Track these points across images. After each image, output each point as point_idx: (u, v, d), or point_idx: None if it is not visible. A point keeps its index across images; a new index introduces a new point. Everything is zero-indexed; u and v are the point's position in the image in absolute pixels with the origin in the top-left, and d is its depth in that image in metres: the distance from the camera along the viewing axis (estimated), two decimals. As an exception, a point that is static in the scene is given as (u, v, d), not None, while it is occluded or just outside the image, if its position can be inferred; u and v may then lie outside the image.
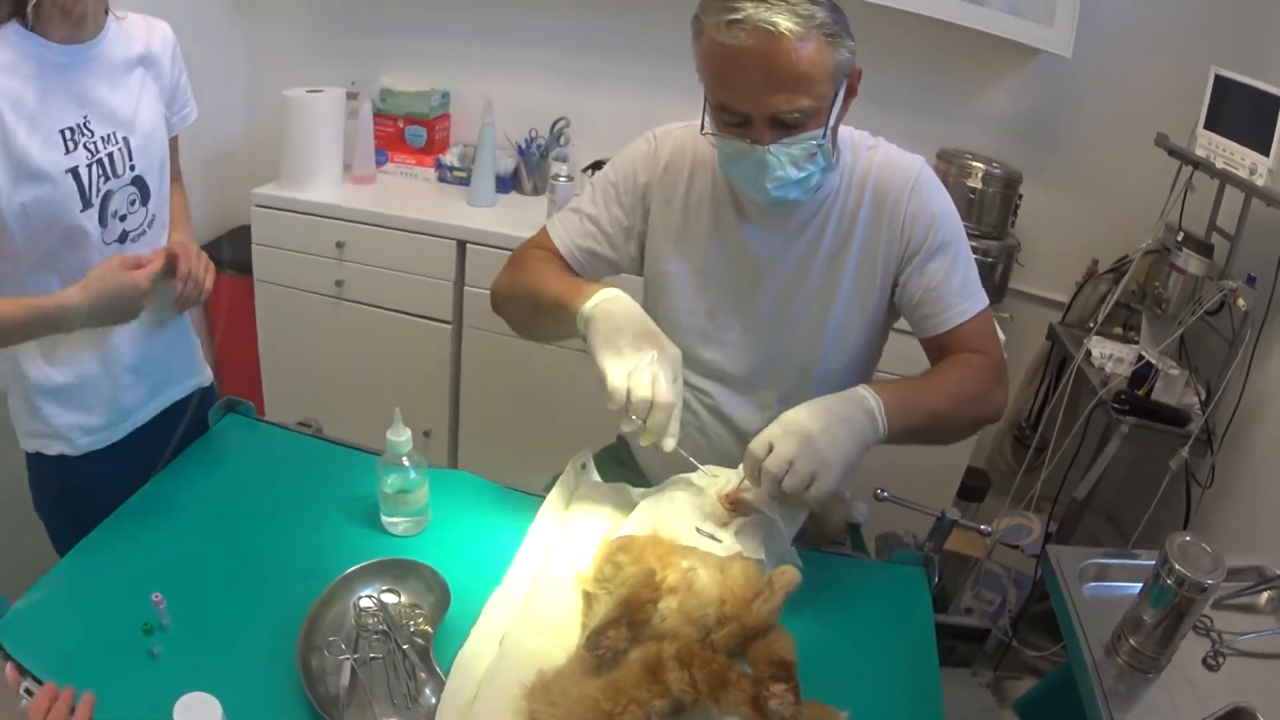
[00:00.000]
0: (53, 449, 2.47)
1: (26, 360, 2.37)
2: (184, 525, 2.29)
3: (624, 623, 1.73)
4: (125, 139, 2.31)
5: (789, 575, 1.90)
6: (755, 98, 2.06)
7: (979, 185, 4.00)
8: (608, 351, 2.11)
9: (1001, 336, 3.51)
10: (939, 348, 2.42)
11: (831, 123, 2.15)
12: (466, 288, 4.36)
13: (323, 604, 1.94)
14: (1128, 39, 4.04)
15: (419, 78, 4.86)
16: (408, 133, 4.84)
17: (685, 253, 2.49)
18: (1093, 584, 2.36)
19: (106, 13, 2.27)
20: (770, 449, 1.98)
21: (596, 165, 4.49)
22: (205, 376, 2.75)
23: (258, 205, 4.46)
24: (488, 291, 3.98)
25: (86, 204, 2.24)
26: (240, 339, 4.87)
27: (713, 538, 2.04)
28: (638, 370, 2.07)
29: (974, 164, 4.03)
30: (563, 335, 2.35)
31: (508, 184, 4.75)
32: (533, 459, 2.60)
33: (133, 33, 2.37)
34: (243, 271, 4.72)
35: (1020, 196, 4.12)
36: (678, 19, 4.30)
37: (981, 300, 2.42)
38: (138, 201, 2.38)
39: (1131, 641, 2.06)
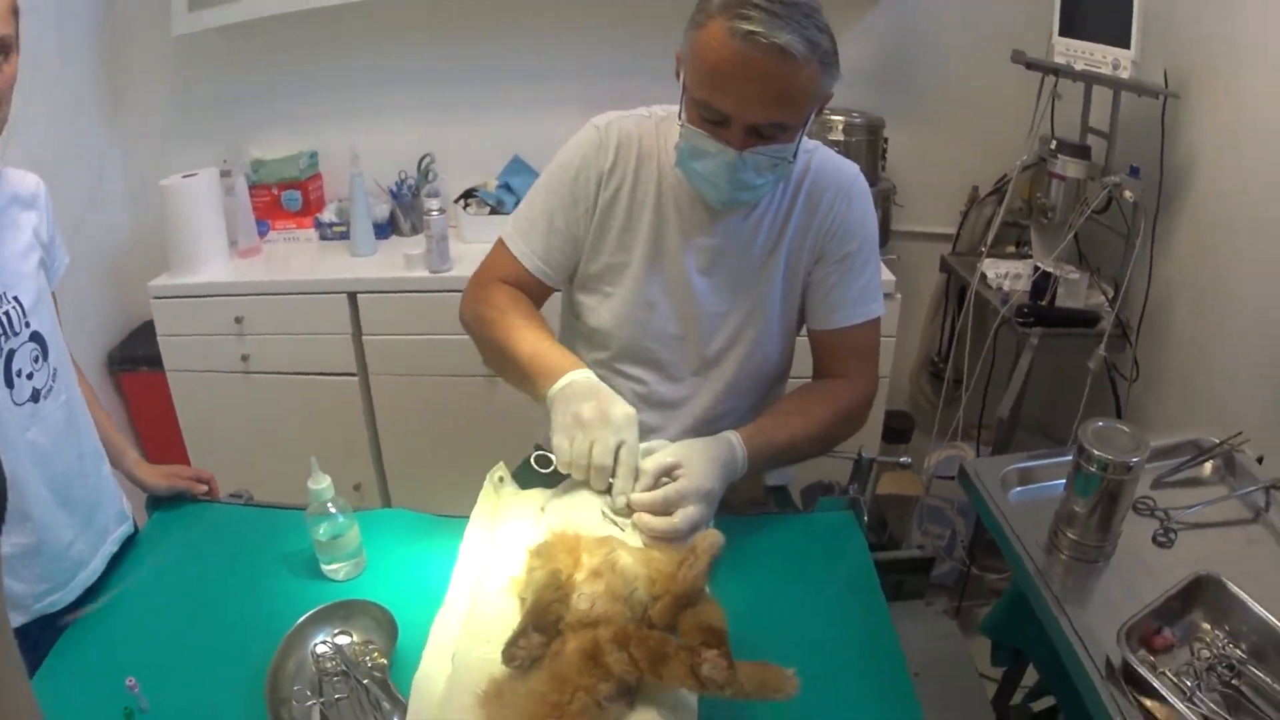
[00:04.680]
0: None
1: None
2: (144, 611, 2.31)
3: (531, 629, 1.75)
4: (16, 298, 2.24)
5: (711, 538, 1.91)
6: (745, 105, 2.10)
7: (841, 137, 4.07)
8: (560, 432, 2.18)
9: (890, 277, 3.55)
10: (824, 345, 2.61)
11: (798, 141, 2.22)
12: (365, 337, 4.40)
13: (281, 657, 1.96)
14: None
15: (285, 143, 4.89)
16: (284, 198, 4.86)
17: (626, 244, 2.51)
18: (1017, 489, 2.40)
19: None
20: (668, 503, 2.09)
21: (469, 194, 4.59)
22: (130, 524, 2.66)
23: (155, 297, 4.46)
24: (385, 337, 4.02)
25: None
26: (165, 432, 4.87)
27: (617, 525, 2.09)
28: (579, 441, 2.13)
29: (833, 118, 4.09)
30: (526, 394, 2.40)
31: (386, 229, 4.80)
32: (464, 486, 2.60)
33: (9, 180, 2.32)
34: (155, 367, 4.71)
35: (886, 140, 4.18)
36: (525, 41, 4.36)
37: (877, 309, 2.57)
38: (40, 358, 2.31)
39: (1070, 535, 2.09)
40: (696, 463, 2.14)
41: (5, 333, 2.19)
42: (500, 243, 2.64)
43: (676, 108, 2.31)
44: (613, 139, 2.49)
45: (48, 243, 2.43)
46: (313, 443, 4.32)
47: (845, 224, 2.45)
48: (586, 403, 2.16)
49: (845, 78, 2.21)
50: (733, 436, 2.26)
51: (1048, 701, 2.80)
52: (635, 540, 2.04)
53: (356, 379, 4.50)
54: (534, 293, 2.62)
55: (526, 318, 2.51)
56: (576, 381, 2.24)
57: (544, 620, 1.76)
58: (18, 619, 2.32)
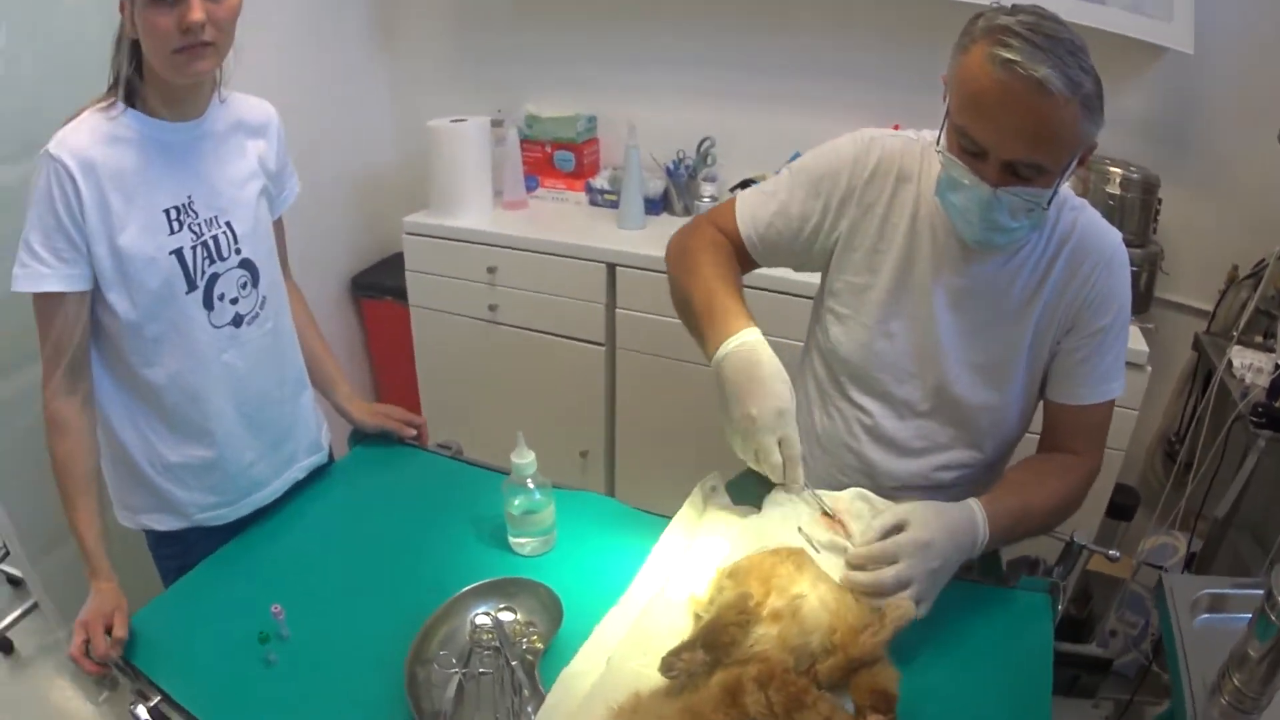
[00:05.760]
0: (164, 524, 2.49)
1: (135, 440, 2.40)
2: (311, 541, 2.39)
3: (699, 645, 1.73)
4: (229, 223, 2.34)
5: (903, 609, 1.88)
6: (1001, 137, 2.05)
7: (1118, 190, 3.91)
8: (727, 426, 2.21)
9: (1144, 347, 3.46)
10: (1060, 419, 2.51)
11: (1056, 188, 2.14)
12: (618, 310, 4.39)
13: (438, 619, 2.00)
14: (1249, 32, 3.94)
15: (563, 103, 4.93)
16: (556, 157, 4.90)
17: (874, 267, 2.47)
18: (1206, 615, 2.30)
19: (213, 90, 2.32)
20: (893, 558, 2.01)
21: (745, 184, 4.47)
22: (324, 455, 2.77)
23: (409, 233, 4.58)
24: (639, 314, 4.05)
25: (191, 286, 2.27)
26: (398, 364, 4.99)
27: (811, 543, 2.06)
28: (744, 449, 2.17)
29: (1111, 169, 3.93)
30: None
31: (658, 205, 4.76)
32: (691, 476, 2.60)
33: (238, 108, 2.41)
34: (398, 298, 4.85)
35: (1159, 201, 4.03)
36: (821, 37, 4.32)
37: (1118, 389, 2.47)
38: (249, 284, 2.41)
39: (1235, 680, 1.97)
40: (923, 519, 2.08)
41: (211, 257, 2.29)
42: (731, 201, 2.63)
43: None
44: (874, 155, 2.45)
45: (275, 172, 2.52)
46: (547, 402, 4.40)
47: (1104, 296, 2.36)
48: (736, 403, 2.18)
49: (1124, 129, 2.15)
50: (974, 503, 2.19)
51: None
52: (831, 563, 2.03)
53: (603, 349, 4.50)
54: (738, 257, 2.60)
55: (715, 265, 2.49)
56: (731, 355, 2.23)
57: (716, 640, 1.75)
58: (176, 523, 2.47)
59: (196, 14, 1.98)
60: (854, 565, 2.04)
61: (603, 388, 4.61)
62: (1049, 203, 2.14)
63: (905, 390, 2.51)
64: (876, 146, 2.45)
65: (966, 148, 2.11)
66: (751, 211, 2.56)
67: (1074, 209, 2.37)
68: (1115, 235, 2.39)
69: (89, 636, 2.05)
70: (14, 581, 4.34)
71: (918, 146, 2.44)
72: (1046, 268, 2.36)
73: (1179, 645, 2.16)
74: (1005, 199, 2.09)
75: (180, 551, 2.47)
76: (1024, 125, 2.00)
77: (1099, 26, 3.79)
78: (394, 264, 5.01)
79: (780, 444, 2.12)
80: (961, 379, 2.46)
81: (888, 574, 1.97)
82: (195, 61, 2.07)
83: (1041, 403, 2.55)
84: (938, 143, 2.21)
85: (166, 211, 2.20)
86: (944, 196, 2.24)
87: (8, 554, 3.80)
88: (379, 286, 5.10)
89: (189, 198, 2.25)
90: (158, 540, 2.53)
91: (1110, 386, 2.44)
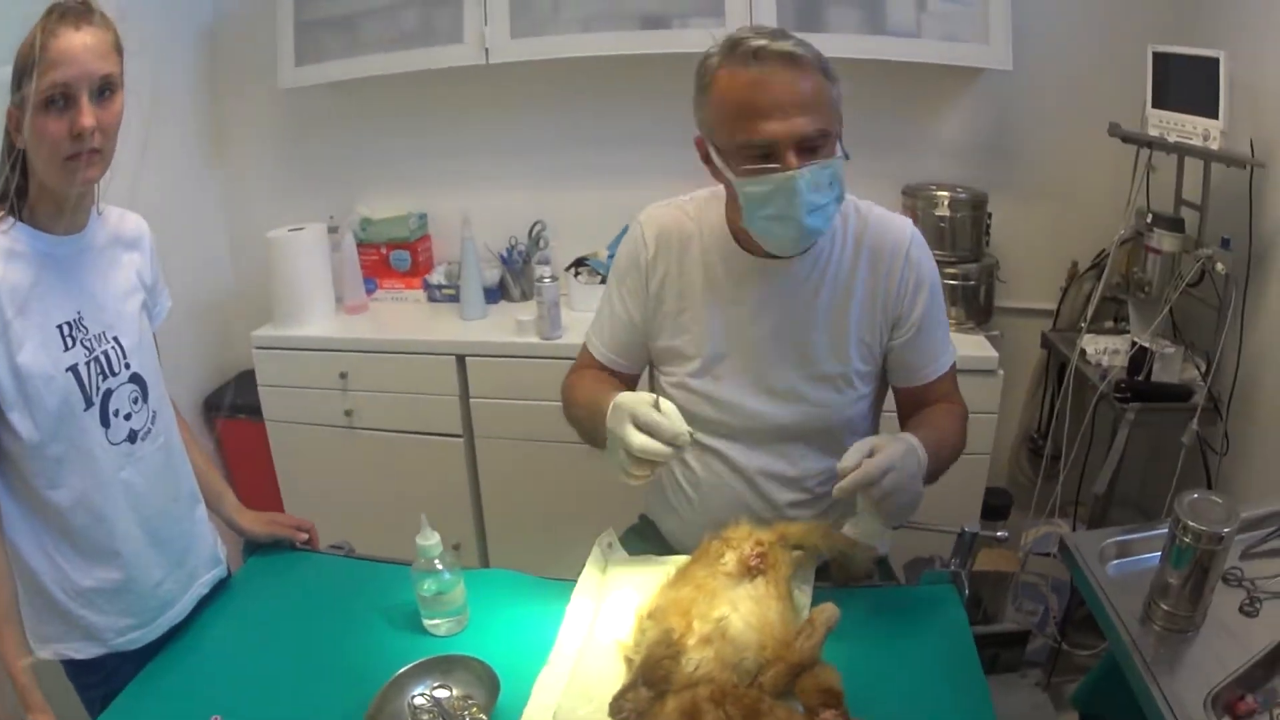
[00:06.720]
0: (82, 652, 2.42)
1: (46, 567, 2.33)
2: (233, 653, 2.37)
3: (640, 684, 1.79)
4: (116, 338, 2.32)
5: (829, 612, 1.95)
6: (784, 118, 2.16)
7: (947, 213, 4.06)
8: (615, 433, 2.23)
9: (993, 353, 3.56)
10: (914, 398, 2.66)
11: (841, 151, 2.27)
12: (472, 399, 4.42)
13: (378, 708, 1.98)
14: (1063, 40, 4.11)
15: (394, 202, 4.96)
16: (392, 258, 4.92)
17: (683, 325, 2.57)
18: (1115, 562, 2.39)
19: (92, 204, 2.30)
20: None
21: (580, 262, 4.59)
22: (223, 568, 2.74)
23: (258, 347, 4.56)
24: (493, 401, 4.10)
25: (88, 403, 2.24)
26: (259, 481, 4.92)
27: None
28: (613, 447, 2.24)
29: (939, 194, 4.09)
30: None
31: (496, 294, 4.80)
32: (564, 552, 2.61)
33: (112, 221, 2.40)
34: (253, 415, 4.80)
35: (989, 215, 4.17)
36: (635, 109, 4.36)
37: (953, 354, 2.68)
38: (139, 399, 2.38)
39: (1163, 606, 2.09)
40: (886, 440, 2.20)
41: (104, 372, 2.27)
42: (583, 346, 2.79)
43: (718, 187, 2.44)
44: (651, 231, 2.62)
45: (151, 285, 2.52)
46: (413, 500, 4.30)
47: (912, 286, 2.52)
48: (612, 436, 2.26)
49: (947, 155, 2.22)
50: (904, 435, 2.31)
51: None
52: (740, 593, 2.04)
53: (462, 440, 4.51)
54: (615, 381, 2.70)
55: (593, 381, 2.64)
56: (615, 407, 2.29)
57: (654, 675, 1.79)
58: (94, 650, 2.40)
59: (88, 119, 1.99)
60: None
61: (466, 478, 4.62)
62: (840, 161, 2.26)
63: (754, 421, 2.58)
64: (651, 222, 2.64)
65: (759, 154, 2.23)
66: (597, 338, 2.78)
67: (861, 212, 2.53)
68: (904, 223, 2.56)
69: None
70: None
71: (693, 206, 2.61)
72: (850, 269, 2.50)
73: (1099, 590, 2.25)
74: (810, 175, 2.20)
75: (101, 680, 2.41)
76: (795, 97, 2.17)
77: (920, 60, 3.89)
78: (244, 381, 4.97)
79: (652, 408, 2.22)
80: (801, 389, 2.54)
81: (872, 468, 2.11)
82: (86, 169, 2.08)
83: (891, 393, 2.71)
84: (731, 182, 2.32)
85: (60, 327, 2.18)
86: (756, 220, 2.32)
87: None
88: (231, 405, 5.05)
89: (78, 313, 2.23)
90: (77, 670, 2.46)
91: (946, 358, 2.64)
